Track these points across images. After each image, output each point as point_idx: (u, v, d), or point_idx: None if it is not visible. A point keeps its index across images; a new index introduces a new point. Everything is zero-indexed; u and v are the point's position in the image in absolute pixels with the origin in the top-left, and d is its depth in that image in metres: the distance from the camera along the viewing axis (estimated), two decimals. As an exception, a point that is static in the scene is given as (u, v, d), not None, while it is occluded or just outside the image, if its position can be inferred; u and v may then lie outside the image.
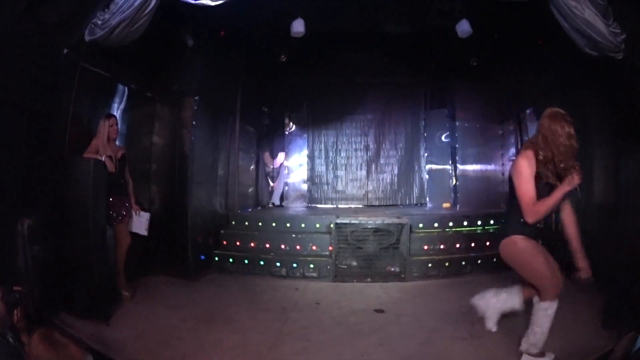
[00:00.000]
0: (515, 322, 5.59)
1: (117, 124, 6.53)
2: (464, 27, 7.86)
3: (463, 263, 8.13)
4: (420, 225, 8.43)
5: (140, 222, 6.87)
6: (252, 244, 8.62)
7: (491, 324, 4.97)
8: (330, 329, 5.86)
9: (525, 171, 4.34)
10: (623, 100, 6.14)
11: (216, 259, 8.50)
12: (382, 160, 11.85)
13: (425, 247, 8.17)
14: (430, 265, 7.91)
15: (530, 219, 4.34)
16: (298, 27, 7.94)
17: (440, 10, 7.98)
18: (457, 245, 8.33)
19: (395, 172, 11.82)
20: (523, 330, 4.83)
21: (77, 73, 5.98)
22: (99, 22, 5.54)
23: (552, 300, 4.47)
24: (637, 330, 3.65)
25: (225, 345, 5.27)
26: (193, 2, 5.69)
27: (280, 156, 12.15)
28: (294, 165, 11.95)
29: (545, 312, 4.50)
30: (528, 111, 9.45)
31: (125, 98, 7.42)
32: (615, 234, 5.51)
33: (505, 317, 5.26)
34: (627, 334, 3.78)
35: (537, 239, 4.60)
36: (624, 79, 5.90)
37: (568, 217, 4.66)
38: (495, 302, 4.98)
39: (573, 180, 4.23)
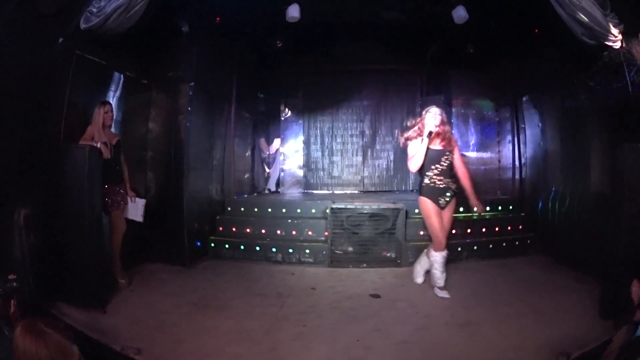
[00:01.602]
0: (510, 311, 5.68)
1: (112, 111, 6.52)
2: (460, 13, 7.86)
3: (459, 249, 8.14)
4: (416, 210, 8.30)
5: (135, 209, 6.86)
6: (248, 230, 8.63)
7: (419, 279, 6.98)
8: (326, 314, 5.89)
9: (410, 148, 6.41)
10: (619, 90, 6.13)
11: (212, 245, 8.50)
12: (378, 146, 11.84)
13: (421, 233, 8.13)
14: (425, 250, 7.86)
15: (411, 169, 6.50)
16: (293, 12, 7.93)
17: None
18: (453, 231, 8.27)
19: (391, 158, 11.81)
20: (516, 317, 5.46)
21: (73, 61, 5.97)
22: (94, 10, 5.49)
23: (439, 251, 6.43)
24: (634, 320, 3.66)
25: (221, 330, 5.30)
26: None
27: (276, 142, 12.14)
28: (289, 151, 11.96)
29: (436, 258, 6.46)
30: (524, 98, 9.43)
31: (120, 85, 7.38)
32: (612, 224, 5.49)
33: (504, 305, 5.84)
34: (625, 324, 3.79)
35: (439, 197, 6.36)
36: (620, 69, 5.88)
37: (460, 174, 6.50)
38: (419, 268, 6.96)
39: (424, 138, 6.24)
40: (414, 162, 6.31)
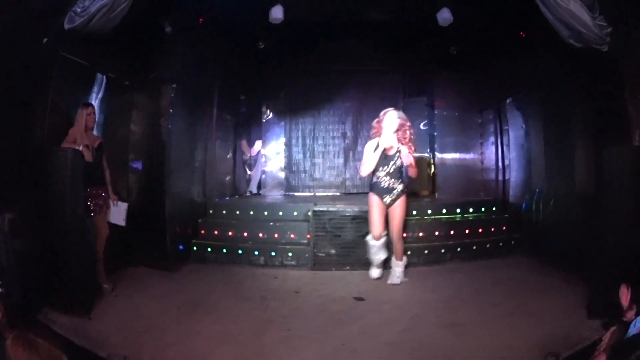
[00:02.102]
0: (497, 311, 5.70)
1: (94, 113, 6.47)
2: (444, 16, 7.90)
3: (442, 251, 8.22)
4: (398, 212, 8.47)
5: (118, 213, 6.79)
6: (230, 233, 8.60)
7: (397, 280, 7.21)
8: (311, 318, 5.88)
9: (366, 149, 7.08)
10: (605, 91, 6.18)
11: (195, 248, 8.46)
12: (359, 148, 11.65)
13: (404, 235, 8.15)
14: (409, 252, 7.83)
15: (362, 173, 7.28)
16: (277, 13, 7.90)
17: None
18: (436, 233, 8.41)
19: (373, 159, 11.77)
20: (503, 318, 5.52)
21: (56, 62, 5.90)
22: (79, 10, 5.43)
23: (372, 238, 7.13)
24: (624, 320, 3.71)
25: (208, 334, 5.27)
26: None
27: (258, 144, 12.09)
28: (271, 153, 11.87)
29: (369, 242, 7.16)
30: (508, 100, 9.51)
31: (103, 87, 7.34)
32: (599, 225, 5.56)
33: (490, 306, 5.96)
34: (613, 323, 3.83)
35: (384, 195, 7.01)
36: (607, 71, 5.94)
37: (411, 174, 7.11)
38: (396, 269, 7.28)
39: (378, 147, 6.85)
40: (365, 168, 7.08)
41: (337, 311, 6.09)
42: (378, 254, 7.19)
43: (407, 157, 6.79)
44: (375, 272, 7.32)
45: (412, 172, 7.04)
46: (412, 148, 6.97)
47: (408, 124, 7.05)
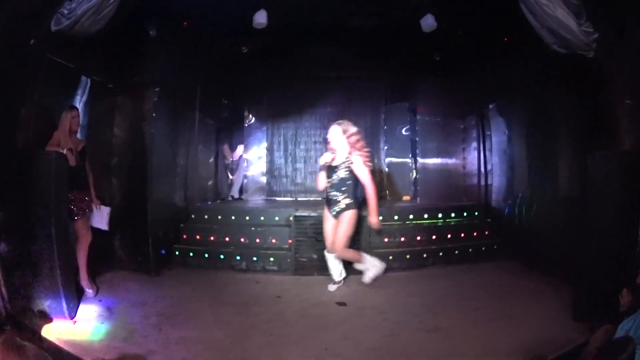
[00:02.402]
0: (480, 315, 5.75)
1: (78, 116, 6.44)
2: (428, 22, 7.97)
3: (424, 255, 8.25)
4: (380, 217, 8.37)
5: (101, 217, 6.75)
6: (212, 238, 8.59)
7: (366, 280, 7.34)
8: (293, 323, 5.89)
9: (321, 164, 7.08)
10: (590, 97, 6.24)
11: (177, 253, 8.42)
12: (341, 154, 11.84)
13: (386, 240, 8.25)
14: (391, 257, 7.97)
15: (317, 188, 7.50)
16: (260, 18, 7.93)
17: (406, 5, 8.08)
18: (418, 238, 8.46)
19: (354, 165, 11.82)
20: (486, 322, 5.58)
21: (43, 64, 5.86)
22: (65, 12, 5.41)
23: (326, 250, 7.24)
24: (611, 322, 3.76)
25: (190, 340, 5.24)
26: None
27: (240, 149, 12.08)
28: (253, 158, 11.94)
29: (324, 254, 7.32)
30: (491, 106, 9.58)
31: (87, 90, 7.30)
32: (582, 227, 5.65)
33: (472, 310, 6.01)
34: (599, 326, 3.88)
35: (330, 207, 7.05)
36: (592, 77, 5.99)
37: (367, 191, 6.92)
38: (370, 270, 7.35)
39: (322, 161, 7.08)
40: (317, 183, 7.35)
41: (320, 316, 6.11)
42: (335, 268, 7.26)
43: (359, 167, 6.85)
44: (331, 287, 7.21)
45: (369, 190, 6.90)
46: (365, 155, 6.97)
47: (353, 131, 7.02)
